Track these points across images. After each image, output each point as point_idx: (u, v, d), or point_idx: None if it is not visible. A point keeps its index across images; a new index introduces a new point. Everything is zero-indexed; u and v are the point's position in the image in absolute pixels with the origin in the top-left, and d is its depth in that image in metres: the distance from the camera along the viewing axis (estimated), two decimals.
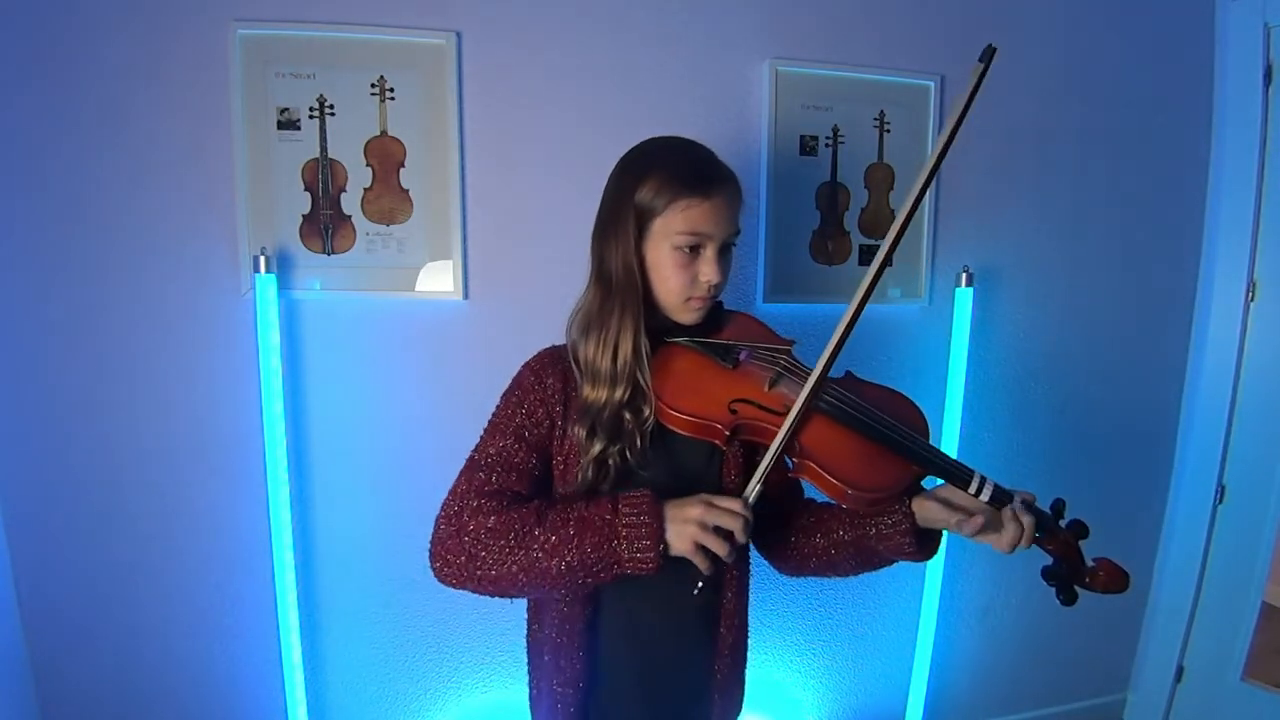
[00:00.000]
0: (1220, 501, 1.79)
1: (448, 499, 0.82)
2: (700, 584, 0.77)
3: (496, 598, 0.81)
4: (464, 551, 0.77)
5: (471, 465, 0.84)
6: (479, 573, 0.77)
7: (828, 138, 1.49)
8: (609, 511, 0.76)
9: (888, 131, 1.53)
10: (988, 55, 0.77)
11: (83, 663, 1.32)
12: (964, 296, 1.55)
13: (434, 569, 0.80)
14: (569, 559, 0.75)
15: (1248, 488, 1.75)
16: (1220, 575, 1.80)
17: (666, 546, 0.75)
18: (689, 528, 0.74)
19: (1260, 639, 1.78)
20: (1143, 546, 1.89)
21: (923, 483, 0.86)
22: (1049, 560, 0.80)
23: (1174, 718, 1.89)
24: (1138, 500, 1.87)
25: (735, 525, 0.75)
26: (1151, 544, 1.90)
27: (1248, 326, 1.74)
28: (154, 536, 1.31)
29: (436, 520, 0.81)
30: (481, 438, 0.87)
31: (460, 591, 0.80)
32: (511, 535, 0.76)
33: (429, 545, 0.80)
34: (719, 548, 0.74)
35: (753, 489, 0.78)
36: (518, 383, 0.89)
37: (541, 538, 0.76)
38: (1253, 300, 1.73)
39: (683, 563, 0.77)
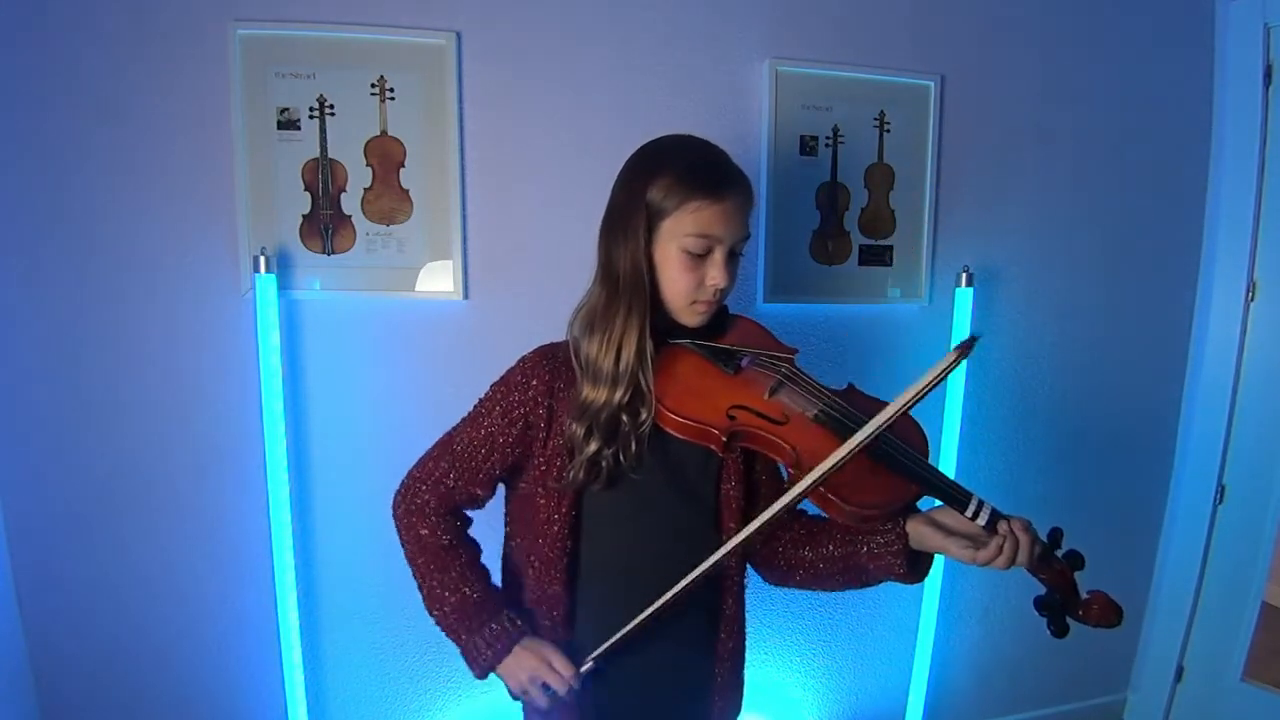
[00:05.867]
0: (1220, 501, 1.78)
1: (416, 467, 0.93)
2: (581, 670, 0.86)
3: None
4: (399, 525, 0.93)
5: (444, 446, 0.91)
6: (405, 552, 0.93)
7: (828, 138, 1.49)
8: (487, 615, 0.88)
9: (888, 131, 1.53)
10: (968, 346, 0.77)
11: (82, 663, 1.32)
12: (964, 296, 1.55)
13: (392, 506, 0.94)
14: (436, 614, 0.90)
15: (1248, 488, 1.75)
16: (1220, 575, 1.80)
17: (489, 674, 0.88)
18: (520, 675, 0.86)
19: (1260, 639, 1.78)
20: (1143, 546, 1.89)
21: (920, 505, 0.85)
22: (1042, 590, 0.80)
23: (1174, 718, 1.89)
24: (1138, 500, 1.86)
25: (559, 687, 0.85)
26: (1151, 544, 1.89)
27: (1248, 326, 1.74)
28: (154, 536, 1.31)
29: (403, 481, 0.93)
30: (463, 419, 0.92)
31: None
32: (421, 560, 0.90)
33: (394, 494, 0.93)
34: (539, 700, 0.86)
35: (587, 665, 0.86)
36: (506, 379, 0.89)
37: (434, 581, 0.89)
38: (1253, 300, 1.73)
39: (678, 560, 0.80)
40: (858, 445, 0.75)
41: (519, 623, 0.88)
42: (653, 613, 0.82)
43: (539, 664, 0.85)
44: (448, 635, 0.90)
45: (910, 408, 0.76)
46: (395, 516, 0.93)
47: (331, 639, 1.40)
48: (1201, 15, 1.72)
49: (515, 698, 0.89)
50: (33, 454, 1.26)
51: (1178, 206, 1.77)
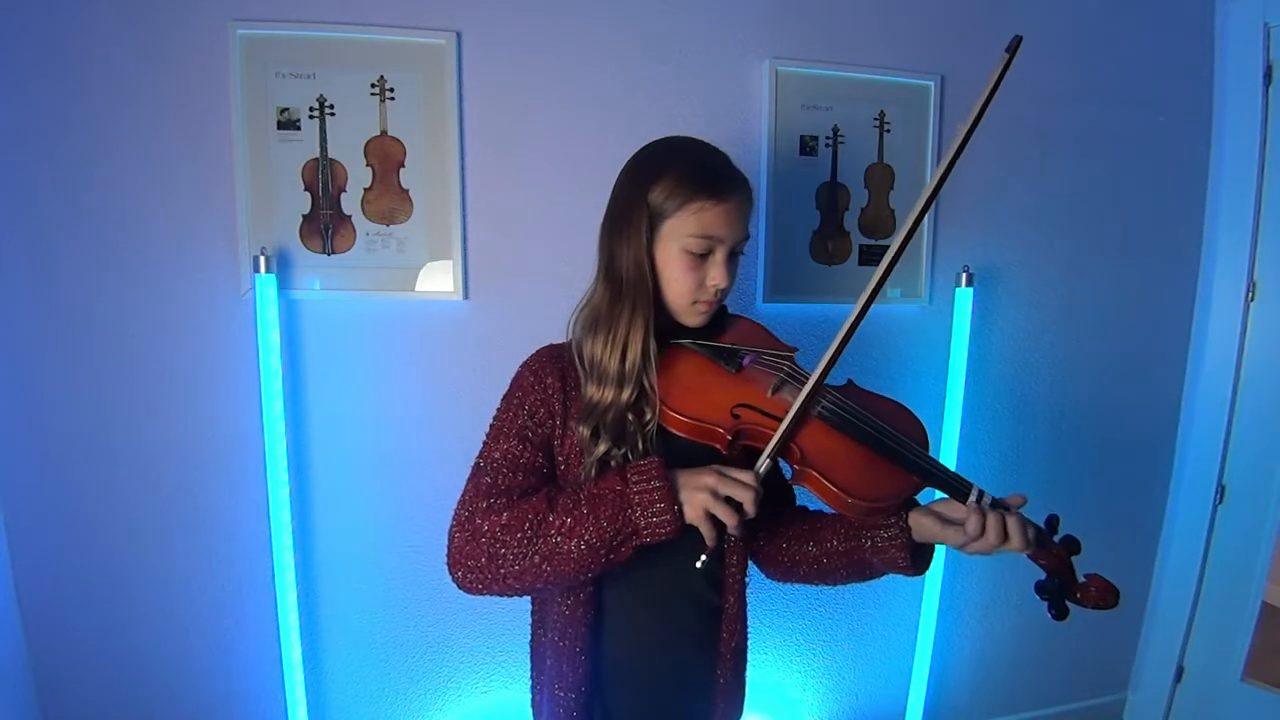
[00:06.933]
0: (1220, 501, 1.79)
1: (457, 508, 0.82)
2: (704, 557, 0.77)
3: (521, 596, 0.81)
4: (484, 553, 0.77)
5: (477, 471, 0.84)
6: (502, 570, 0.76)
7: (828, 138, 1.49)
8: (619, 483, 0.76)
9: (888, 131, 1.53)
10: (1014, 46, 0.75)
11: (83, 663, 1.32)
12: (964, 296, 1.55)
13: (456, 579, 0.80)
14: (587, 538, 0.74)
15: (1248, 488, 1.75)
16: (1220, 575, 1.80)
17: (681, 509, 0.74)
18: (700, 495, 0.74)
19: (1260, 639, 1.78)
20: (1143, 547, 1.89)
21: (920, 499, 0.86)
22: (1042, 575, 0.81)
23: (1174, 718, 1.89)
24: (1138, 500, 1.86)
25: (746, 497, 0.74)
26: (1151, 544, 1.89)
27: (1248, 326, 1.74)
28: (154, 537, 1.31)
29: (450, 531, 0.81)
30: (485, 443, 0.86)
31: (480, 597, 0.80)
32: (527, 526, 0.76)
33: (446, 557, 0.80)
34: (728, 518, 0.74)
35: (762, 463, 0.78)
36: (517, 383, 0.89)
37: (556, 522, 0.75)
38: (1253, 300, 1.73)
39: (687, 554, 0.77)
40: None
41: (646, 459, 0.78)
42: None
43: (713, 476, 0.75)
44: (624, 543, 0.75)
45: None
46: (466, 562, 0.78)
47: (331, 639, 1.40)
48: (1202, 15, 1.72)
49: (699, 552, 0.76)
50: (33, 454, 1.26)
51: (1178, 206, 1.77)
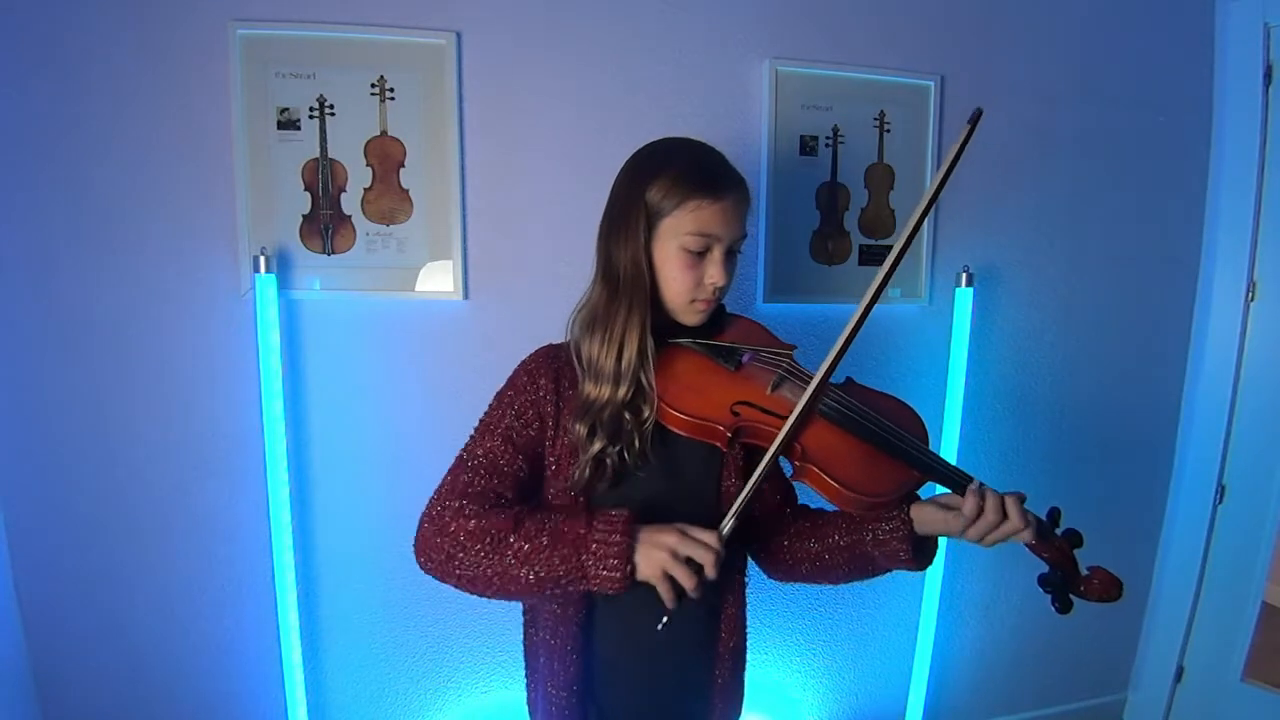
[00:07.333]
0: (1220, 501, 1.79)
1: (433, 497, 0.84)
2: (665, 619, 0.76)
3: (480, 597, 0.82)
4: (443, 551, 0.79)
5: (459, 465, 0.85)
6: (458, 572, 0.78)
7: (828, 138, 1.49)
8: (583, 526, 0.75)
9: (888, 131, 1.53)
10: (975, 118, 0.76)
11: (83, 663, 1.32)
12: (964, 296, 1.55)
13: (418, 562, 0.82)
14: (538, 569, 0.75)
15: (1248, 488, 1.75)
16: (1220, 575, 1.80)
17: (634, 569, 0.74)
18: (659, 554, 0.73)
19: (1260, 639, 1.78)
20: (1143, 547, 1.89)
21: (921, 496, 0.86)
22: (1045, 568, 0.81)
23: (1174, 718, 1.89)
24: (1138, 500, 1.86)
25: (707, 560, 0.73)
26: (1151, 544, 1.90)
27: (1248, 326, 1.74)
28: (154, 537, 1.31)
29: (421, 517, 0.83)
30: (472, 437, 0.87)
31: (456, 590, 0.81)
32: (488, 540, 0.77)
33: (413, 539, 0.82)
34: (686, 580, 0.73)
35: (728, 523, 0.77)
36: (511, 382, 0.89)
37: (515, 545, 0.76)
38: (1253, 300, 1.73)
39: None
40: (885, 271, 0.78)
41: (617, 510, 0.77)
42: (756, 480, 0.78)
43: (675, 536, 0.74)
44: (571, 585, 0.75)
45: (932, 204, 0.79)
46: (429, 552, 0.80)
47: (331, 639, 1.40)
48: (1201, 15, 1.72)
49: (660, 614, 0.75)
50: (33, 454, 1.26)
51: (1178, 206, 1.77)
